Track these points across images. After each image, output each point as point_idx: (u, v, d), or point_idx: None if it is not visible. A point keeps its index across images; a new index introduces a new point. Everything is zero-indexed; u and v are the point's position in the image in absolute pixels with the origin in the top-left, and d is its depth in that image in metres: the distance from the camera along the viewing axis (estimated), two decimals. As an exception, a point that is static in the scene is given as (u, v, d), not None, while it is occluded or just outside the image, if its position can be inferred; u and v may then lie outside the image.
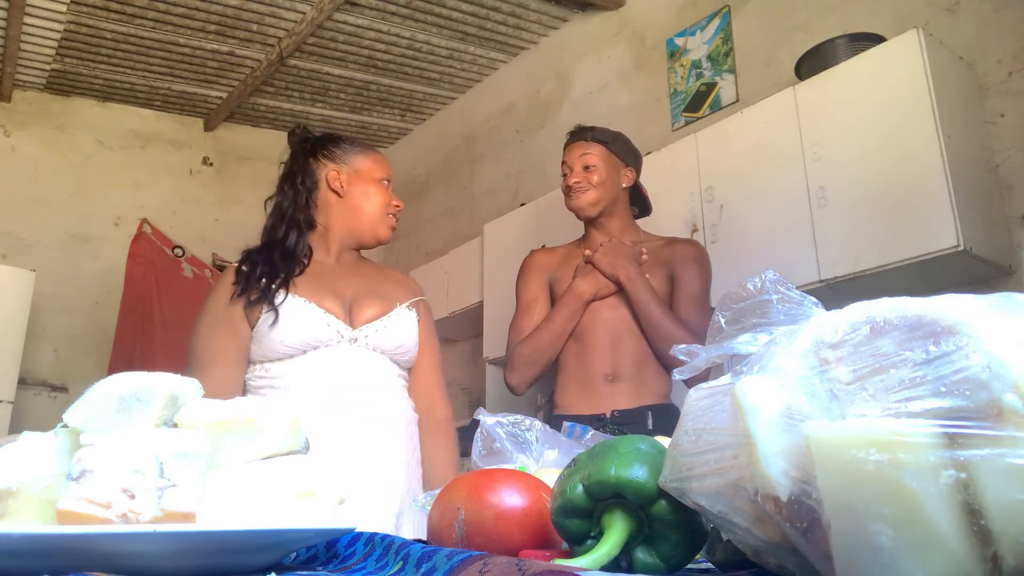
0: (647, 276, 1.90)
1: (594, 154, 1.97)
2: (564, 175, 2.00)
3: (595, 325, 1.92)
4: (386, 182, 1.68)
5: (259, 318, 1.49)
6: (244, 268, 1.54)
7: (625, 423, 1.79)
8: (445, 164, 5.10)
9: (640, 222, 2.11)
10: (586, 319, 1.93)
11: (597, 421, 1.78)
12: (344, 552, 0.67)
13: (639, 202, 2.09)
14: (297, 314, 1.49)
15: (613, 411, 1.83)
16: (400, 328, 1.59)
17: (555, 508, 0.53)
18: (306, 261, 1.58)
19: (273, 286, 1.50)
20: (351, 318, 1.55)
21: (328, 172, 1.64)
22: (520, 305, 2.03)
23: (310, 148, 1.66)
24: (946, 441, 0.35)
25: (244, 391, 1.51)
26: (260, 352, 1.49)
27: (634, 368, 1.87)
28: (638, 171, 2.06)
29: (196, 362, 1.49)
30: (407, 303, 1.64)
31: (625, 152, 2.02)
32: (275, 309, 1.48)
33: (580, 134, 2.03)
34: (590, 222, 2.01)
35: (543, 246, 2.44)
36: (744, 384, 0.43)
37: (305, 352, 1.49)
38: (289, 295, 1.50)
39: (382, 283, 1.66)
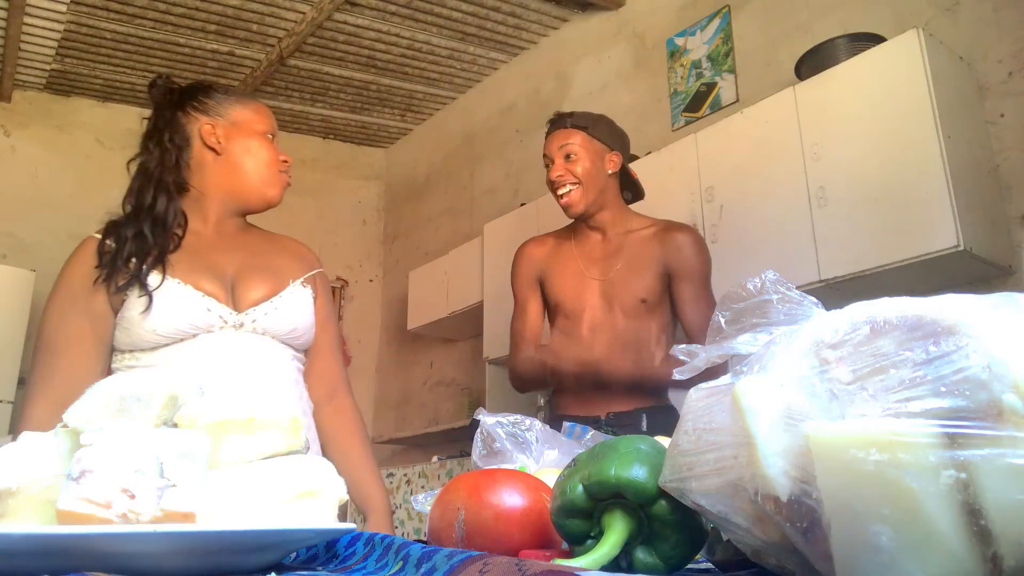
0: (637, 268, 1.85)
1: (575, 142, 1.86)
2: (547, 167, 1.91)
3: (591, 331, 1.90)
4: (271, 136, 1.45)
5: (125, 302, 1.28)
6: (108, 244, 1.33)
7: (620, 425, 1.78)
8: (445, 164, 5.10)
9: (636, 205, 2.04)
10: (582, 325, 1.90)
11: (592, 423, 1.78)
12: (344, 552, 0.67)
13: (630, 186, 2.00)
14: (172, 300, 1.28)
15: (608, 413, 1.83)
16: (293, 309, 1.40)
17: (555, 508, 0.53)
18: (180, 232, 1.36)
19: (144, 267, 1.29)
20: (235, 300, 1.35)
21: (201, 126, 1.41)
22: (516, 304, 2.02)
23: (177, 100, 1.44)
24: (946, 441, 0.35)
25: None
26: (129, 341, 1.29)
27: (631, 371, 1.85)
28: (625, 154, 1.96)
29: (46, 347, 1.29)
30: (301, 278, 1.45)
31: (608, 136, 1.92)
32: (148, 294, 1.27)
33: (559, 121, 1.92)
34: (581, 218, 1.93)
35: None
36: (744, 384, 0.43)
37: (182, 340, 1.29)
38: (165, 278, 1.29)
39: (272, 255, 1.45)
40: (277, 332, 1.37)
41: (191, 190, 1.40)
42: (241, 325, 1.33)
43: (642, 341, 1.87)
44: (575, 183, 1.86)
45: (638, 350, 1.86)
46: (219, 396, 1.26)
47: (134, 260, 1.30)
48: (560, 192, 1.87)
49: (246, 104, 1.47)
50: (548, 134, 1.94)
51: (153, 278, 1.29)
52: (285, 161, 1.47)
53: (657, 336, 1.88)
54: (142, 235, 1.33)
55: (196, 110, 1.42)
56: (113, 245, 1.32)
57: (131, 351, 1.31)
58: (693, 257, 1.86)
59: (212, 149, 1.41)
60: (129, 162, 1.44)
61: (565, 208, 1.90)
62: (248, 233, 1.48)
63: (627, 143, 2.00)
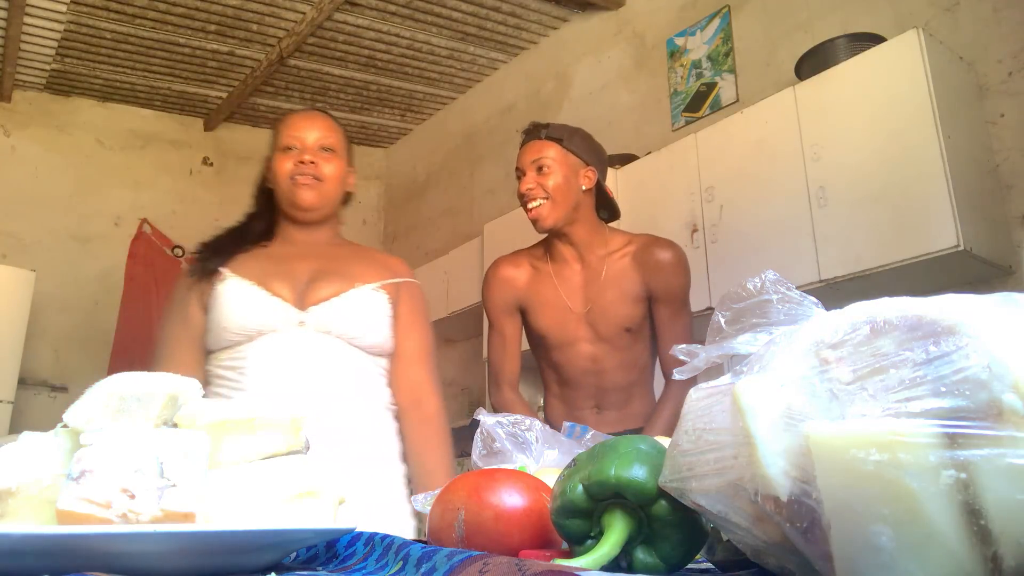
0: (618, 290, 1.79)
1: (548, 155, 1.78)
2: (518, 179, 1.83)
3: (578, 366, 1.84)
4: (287, 148, 1.51)
5: (208, 304, 1.42)
6: (196, 255, 1.51)
7: None
8: (445, 164, 5.10)
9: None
10: (568, 359, 1.85)
11: None
12: (344, 552, 0.67)
13: (606, 205, 1.90)
14: (237, 296, 1.40)
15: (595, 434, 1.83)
16: (357, 308, 1.44)
17: (555, 508, 0.53)
18: (262, 243, 1.51)
19: (212, 264, 1.44)
20: (303, 301, 1.42)
21: (266, 168, 1.58)
22: (492, 330, 1.94)
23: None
24: (946, 441, 0.35)
25: (205, 380, 1.42)
26: (212, 340, 1.41)
27: (621, 401, 1.84)
28: (601, 170, 1.86)
29: (157, 354, 1.46)
30: (376, 284, 1.49)
31: (585, 151, 1.83)
32: (216, 292, 1.41)
33: (533, 132, 1.85)
34: (552, 234, 1.84)
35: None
36: (744, 384, 0.43)
37: (252, 338, 1.39)
38: (231, 276, 1.42)
39: (351, 263, 1.52)
40: (339, 330, 1.42)
41: (276, 219, 1.56)
42: (303, 323, 1.40)
43: (632, 373, 1.84)
44: (545, 197, 1.77)
45: (633, 384, 1.83)
46: (284, 394, 1.33)
47: (216, 261, 1.46)
48: (529, 206, 1.79)
49: (278, 127, 1.58)
50: (522, 145, 1.87)
51: (226, 279, 1.42)
52: (300, 162, 1.50)
53: (644, 364, 1.86)
54: (220, 244, 1.50)
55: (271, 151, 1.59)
56: (198, 255, 1.50)
57: (214, 352, 1.42)
58: (673, 278, 1.79)
59: (268, 182, 1.56)
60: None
61: (533, 222, 1.81)
62: (335, 246, 1.57)
63: (604, 159, 1.91)
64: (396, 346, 1.51)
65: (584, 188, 1.81)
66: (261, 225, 1.54)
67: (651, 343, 1.86)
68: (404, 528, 1.41)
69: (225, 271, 1.43)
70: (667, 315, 1.79)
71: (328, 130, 1.54)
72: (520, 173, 1.84)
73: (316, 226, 1.54)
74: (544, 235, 1.87)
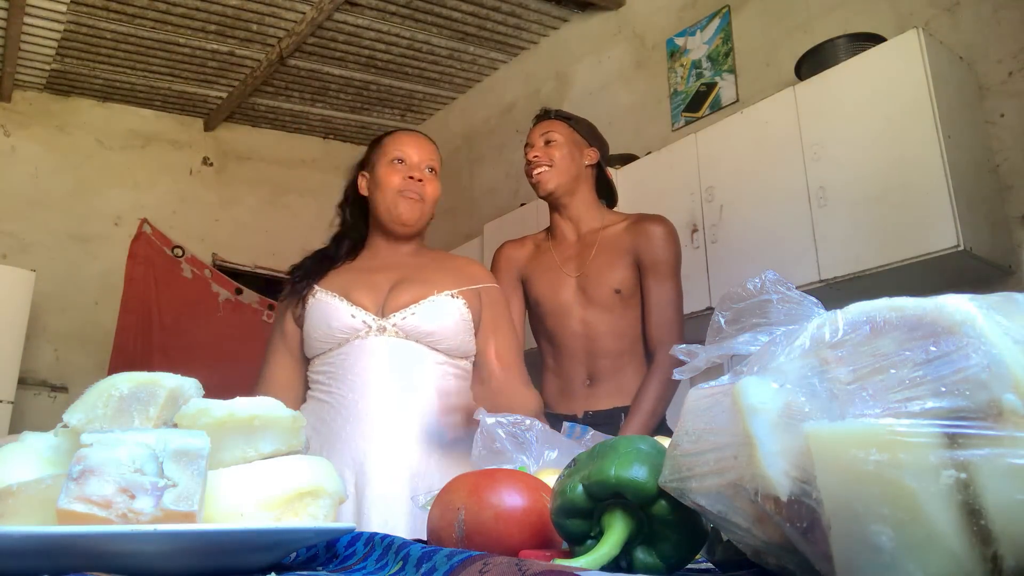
0: (608, 265, 1.89)
1: (555, 131, 1.96)
2: (526, 154, 1.99)
3: (570, 332, 1.92)
4: (397, 161, 1.61)
5: (299, 316, 1.56)
6: (291, 272, 1.64)
7: (597, 423, 1.79)
8: (445, 164, 5.07)
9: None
10: (561, 326, 1.94)
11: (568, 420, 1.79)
12: (344, 552, 0.67)
13: (606, 192, 2.07)
14: (323, 308, 1.52)
15: (586, 411, 1.85)
16: (434, 313, 1.52)
17: (555, 508, 0.53)
18: (351, 258, 1.64)
19: (304, 282, 1.58)
20: (384, 308, 1.52)
21: (360, 180, 1.68)
22: None
23: (357, 166, 1.71)
24: (946, 441, 0.35)
25: (305, 386, 1.58)
26: (307, 349, 1.55)
27: (612, 371, 1.88)
28: (603, 155, 2.03)
29: (263, 365, 1.61)
30: (454, 290, 1.57)
31: (588, 133, 2.01)
32: (307, 305, 1.55)
33: (543, 115, 2.04)
34: (553, 205, 2.00)
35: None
36: (744, 384, 0.43)
37: (340, 345, 1.50)
38: (319, 290, 1.55)
39: (432, 271, 1.60)
40: (417, 334, 1.50)
41: (368, 232, 1.67)
42: (384, 329, 1.50)
43: (622, 342, 1.89)
44: (549, 165, 1.93)
45: (626, 356, 1.88)
46: (370, 394, 1.44)
47: (305, 282, 1.58)
48: (534, 172, 1.95)
49: (383, 140, 1.68)
50: (533, 126, 2.03)
51: (316, 293, 1.55)
52: (410, 178, 1.60)
53: (635, 336, 1.90)
54: (311, 264, 1.63)
55: (362, 167, 1.69)
56: (292, 275, 1.63)
57: (311, 359, 1.55)
58: (660, 246, 1.89)
59: (364, 196, 1.66)
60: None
61: (535, 186, 1.97)
62: (417, 256, 1.66)
63: (606, 146, 2.07)
64: (483, 349, 1.60)
65: (586, 163, 1.99)
66: (349, 244, 1.66)
67: (642, 316, 1.91)
68: None
69: (315, 287, 1.56)
70: (653, 285, 1.88)
71: (434, 152, 1.68)
72: (529, 147, 1.99)
73: (406, 240, 1.64)
74: (545, 199, 2.01)
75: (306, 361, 1.58)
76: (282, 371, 1.58)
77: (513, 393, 1.56)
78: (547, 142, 1.95)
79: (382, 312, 1.52)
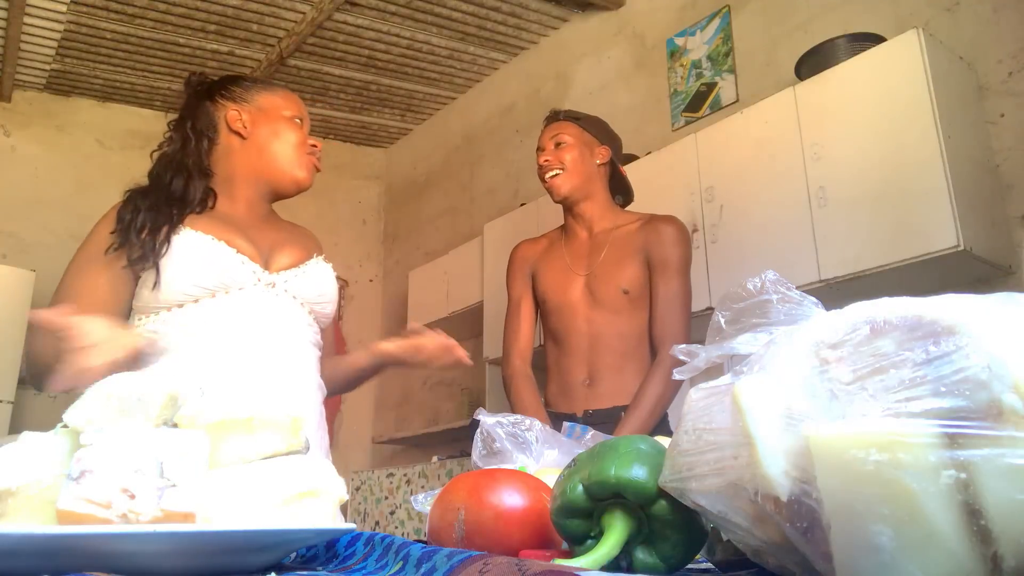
0: (620, 265, 1.90)
1: (566, 132, 1.96)
2: (538, 159, 1.99)
3: (574, 331, 1.93)
4: (299, 120, 1.48)
5: (149, 259, 1.28)
6: (125, 214, 1.33)
7: (597, 422, 1.79)
8: (445, 164, 5.10)
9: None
10: (565, 324, 1.94)
11: (568, 419, 1.79)
12: (344, 552, 0.67)
13: (621, 189, 2.06)
14: (201, 250, 1.30)
15: (586, 410, 1.85)
16: (320, 277, 1.45)
17: (555, 508, 0.53)
18: (208, 204, 1.39)
19: (158, 238, 1.29)
20: (269, 264, 1.38)
21: (228, 113, 1.44)
22: (509, 303, 2.07)
23: (205, 91, 1.48)
24: (946, 441, 0.35)
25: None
26: (156, 297, 1.28)
27: (613, 371, 1.88)
28: (616, 152, 2.03)
29: (63, 299, 1.26)
30: (323, 256, 1.51)
31: (599, 131, 2.01)
32: (169, 245, 1.28)
33: (553, 116, 2.04)
34: (567, 207, 2.00)
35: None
36: (744, 384, 0.43)
37: (214, 295, 1.30)
38: (187, 229, 1.31)
39: (297, 235, 1.52)
40: (307, 296, 1.41)
41: (216, 175, 1.43)
42: (273, 285, 1.36)
43: (626, 344, 1.89)
44: (561, 168, 1.93)
45: (627, 356, 1.88)
46: (240, 353, 1.27)
47: (146, 232, 1.29)
48: (547, 176, 1.95)
49: (274, 90, 1.50)
50: (543, 128, 2.04)
51: (181, 232, 1.30)
52: (315, 146, 1.49)
53: (639, 338, 1.89)
54: (157, 207, 1.33)
55: (224, 98, 1.46)
56: (128, 216, 1.32)
57: (155, 310, 1.29)
58: (670, 245, 1.89)
59: (238, 134, 1.44)
60: (152, 152, 1.46)
61: (549, 191, 1.97)
62: (276, 219, 1.53)
63: (618, 143, 2.07)
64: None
65: (598, 163, 1.98)
66: (204, 182, 1.41)
67: (649, 320, 1.91)
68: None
69: (179, 226, 1.31)
70: (661, 283, 1.88)
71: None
72: (540, 151, 2.00)
73: (273, 200, 1.50)
74: (559, 203, 2.01)
75: (124, 317, 1.31)
76: (100, 291, 1.28)
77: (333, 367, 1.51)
78: (557, 144, 1.95)
79: (268, 267, 1.38)
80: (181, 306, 1.29)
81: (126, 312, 1.32)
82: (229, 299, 1.31)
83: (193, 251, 1.29)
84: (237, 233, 1.36)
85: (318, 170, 1.51)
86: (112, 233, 1.31)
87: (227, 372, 1.25)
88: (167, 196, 1.36)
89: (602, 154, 1.98)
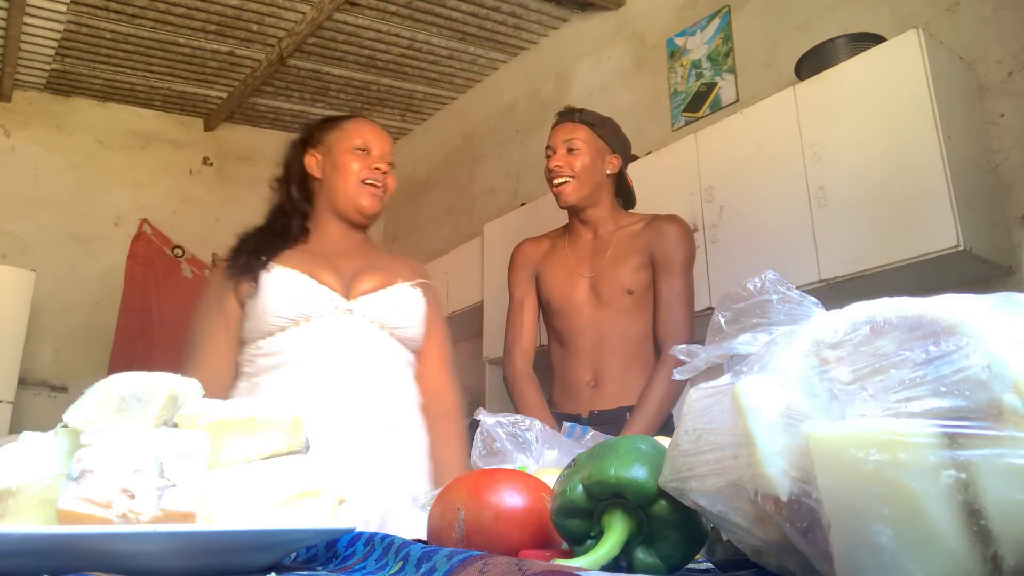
0: (624, 264, 1.89)
1: (579, 137, 1.91)
2: (548, 157, 1.95)
3: (579, 332, 1.92)
4: (360, 150, 1.58)
5: (249, 293, 1.47)
6: (233, 256, 1.54)
7: (602, 423, 1.79)
8: (445, 164, 5.10)
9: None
10: (570, 326, 1.93)
11: (574, 420, 1.79)
12: (344, 552, 0.67)
13: (625, 193, 2.04)
14: (286, 283, 1.46)
15: (592, 411, 1.85)
16: (400, 301, 1.52)
17: (555, 508, 0.53)
18: (302, 239, 1.57)
19: (262, 257, 1.49)
20: (348, 291, 1.49)
21: (307, 158, 1.61)
22: (511, 302, 2.06)
23: (300, 141, 1.65)
24: (946, 441, 0.35)
25: (237, 371, 1.48)
26: (254, 327, 1.46)
27: (618, 372, 1.87)
28: (625, 159, 2.01)
29: (190, 345, 1.50)
30: (411, 282, 1.58)
31: (612, 137, 1.97)
32: (261, 281, 1.46)
33: (567, 115, 1.98)
34: (572, 211, 1.99)
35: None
36: (744, 384, 0.43)
37: (298, 324, 1.44)
38: (277, 266, 1.48)
39: (388, 262, 1.61)
40: (385, 320, 1.50)
41: (312, 213, 1.61)
42: (350, 312, 1.47)
43: (631, 345, 1.88)
44: (571, 176, 1.90)
45: (632, 357, 1.88)
46: (327, 378, 1.40)
47: (247, 270, 1.49)
48: (555, 182, 1.92)
49: (342, 125, 1.63)
50: (555, 126, 1.98)
51: (272, 269, 1.47)
52: (376, 169, 1.58)
53: (644, 339, 1.89)
54: (260, 240, 1.54)
55: (308, 144, 1.63)
56: (235, 258, 1.53)
57: (257, 339, 1.46)
58: (673, 245, 1.88)
59: (315, 177, 1.60)
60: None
61: (556, 196, 1.95)
62: (368, 246, 1.65)
63: (629, 149, 2.04)
64: (421, 347, 1.59)
65: (608, 172, 1.95)
66: (299, 222, 1.59)
67: (653, 320, 1.90)
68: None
69: (270, 263, 1.49)
70: (665, 283, 1.87)
71: (390, 146, 1.65)
72: (550, 151, 1.95)
73: (358, 228, 1.62)
74: (565, 209, 2.00)
75: (240, 345, 1.50)
76: (217, 355, 1.47)
77: (447, 435, 1.57)
78: (569, 148, 1.91)
79: (347, 294, 1.48)
80: (272, 334, 1.45)
81: (239, 347, 1.50)
82: (311, 326, 1.45)
83: (277, 285, 1.45)
84: (323, 264, 1.51)
85: (388, 192, 1.60)
86: (226, 267, 1.53)
87: (307, 394, 1.38)
88: (269, 235, 1.56)
89: (613, 163, 1.95)
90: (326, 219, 1.60)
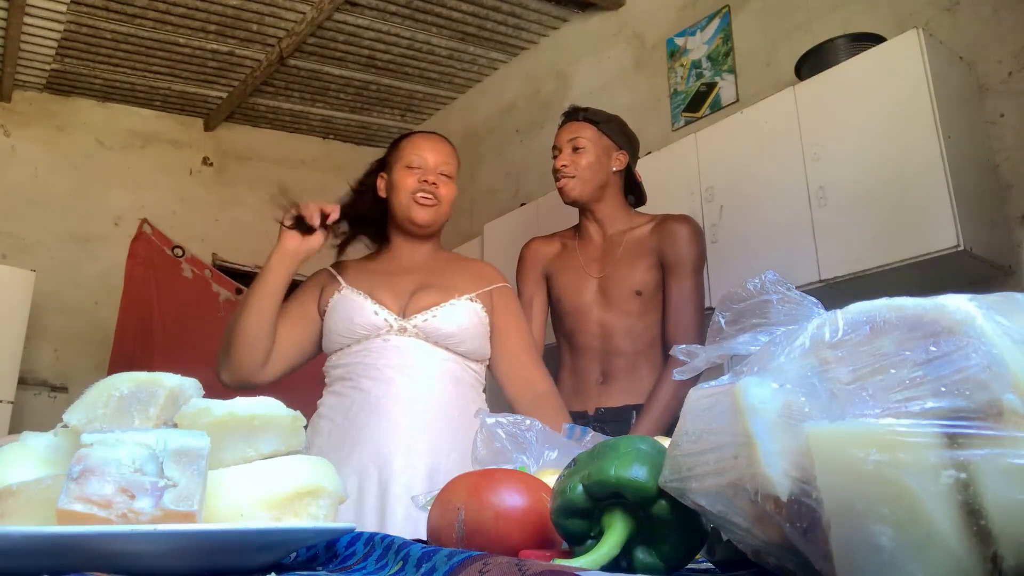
0: (634, 264, 1.90)
1: (584, 136, 1.92)
2: (554, 157, 1.96)
3: (587, 332, 1.93)
4: (410, 167, 1.66)
5: (323, 309, 1.62)
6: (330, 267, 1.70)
7: (608, 420, 1.80)
8: (445, 164, 5.09)
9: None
10: (579, 326, 1.94)
11: (581, 418, 1.80)
12: (344, 552, 0.67)
13: (635, 190, 2.05)
14: (347, 304, 1.58)
15: (598, 408, 1.85)
16: (453, 317, 1.58)
17: (555, 508, 0.53)
18: (372, 257, 1.71)
19: (337, 278, 1.63)
20: (406, 310, 1.58)
21: (378, 182, 1.72)
22: (520, 300, 2.03)
23: (376, 166, 1.76)
24: (946, 441, 0.35)
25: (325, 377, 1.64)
26: (326, 342, 1.61)
27: (625, 369, 1.88)
28: (632, 156, 2.01)
29: (283, 312, 1.62)
30: (472, 294, 1.63)
31: (618, 135, 1.98)
32: (332, 301, 1.60)
33: (573, 114, 1.99)
34: (579, 208, 1.99)
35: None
36: (744, 384, 0.43)
37: (360, 342, 1.56)
38: (345, 287, 1.61)
39: (451, 275, 1.67)
40: (437, 336, 1.56)
41: (387, 230, 1.72)
42: (404, 329, 1.56)
43: (639, 344, 1.88)
44: (575, 175, 1.92)
45: (639, 355, 1.87)
46: (386, 392, 1.51)
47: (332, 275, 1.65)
48: (560, 180, 1.94)
49: (399, 144, 1.72)
50: (561, 125, 1.99)
51: (341, 291, 1.61)
52: (424, 181, 1.64)
53: (653, 339, 1.89)
54: (358, 218, 1.68)
55: (381, 169, 1.73)
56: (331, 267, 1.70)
57: (329, 354, 1.62)
58: (683, 245, 1.89)
59: (382, 197, 1.70)
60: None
61: (560, 191, 1.96)
62: (435, 259, 1.71)
63: (636, 146, 2.05)
64: (500, 347, 1.65)
65: (614, 169, 1.96)
66: (373, 229, 1.72)
67: (662, 320, 1.91)
68: None
69: (342, 282, 1.62)
70: (674, 283, 1.88)
71: (450, 154, 1.71)
72: (556, 151, 1.97)
73: (423, 240, 1.69)
74: (570, 206, 2.00)
75: (317, 352, 1.65)
76: (283, 336, 1.59)
77: (546, 413, 1.57)
78: (575, 147, 1.92)
79: (404, 313, 1.57)
80: (340, 350, 1.60)
81: (313, 348, 1.65)
82: (370, 344, 1.56)
83: (340, 307, 1.59)
84: (384, 282, 1.62)
85: (442, 201, 1.66)
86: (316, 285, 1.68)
87: (359, 408, 1.51)
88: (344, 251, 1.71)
89: (619, 160, 1.96)
90: (394, 235, 1.71)
